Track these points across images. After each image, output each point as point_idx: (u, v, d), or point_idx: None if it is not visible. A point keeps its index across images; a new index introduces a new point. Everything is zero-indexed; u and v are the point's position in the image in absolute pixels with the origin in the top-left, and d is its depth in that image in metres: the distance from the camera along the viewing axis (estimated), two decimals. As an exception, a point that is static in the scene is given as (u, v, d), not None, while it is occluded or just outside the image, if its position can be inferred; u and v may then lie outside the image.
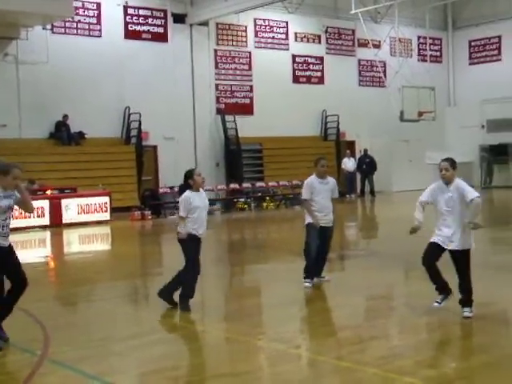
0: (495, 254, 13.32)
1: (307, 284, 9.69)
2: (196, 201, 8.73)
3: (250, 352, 7.01)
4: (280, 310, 8.68)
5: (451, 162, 7.74)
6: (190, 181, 8.94)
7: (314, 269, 9.79)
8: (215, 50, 27.37)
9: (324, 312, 8.86)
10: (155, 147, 25.84)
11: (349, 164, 28.06)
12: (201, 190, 8.95)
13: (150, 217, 22.13)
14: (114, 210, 21.44)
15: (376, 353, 6.70)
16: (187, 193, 8.80)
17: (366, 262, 12.63)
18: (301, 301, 9.15)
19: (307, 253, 9.83)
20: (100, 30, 24.44)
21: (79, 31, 24.03)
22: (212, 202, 24.04)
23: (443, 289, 7.73)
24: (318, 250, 9.77)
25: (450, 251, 7.67)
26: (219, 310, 9.13)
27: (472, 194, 7.47)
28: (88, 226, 20.12)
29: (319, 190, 9.79)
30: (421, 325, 7.51)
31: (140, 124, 24.49)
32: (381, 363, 6.28)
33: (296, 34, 29.69)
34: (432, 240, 7.74)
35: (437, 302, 7.74)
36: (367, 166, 28.81)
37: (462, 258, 7.68)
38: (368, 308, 9.05)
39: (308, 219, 9.84)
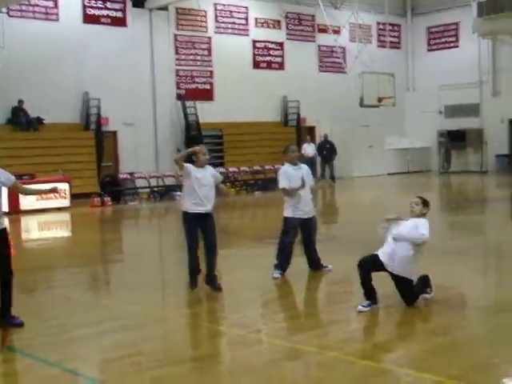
0: (453, 239, 13.54)
1: (276, 275, 9.42)
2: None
3: (211, 337, 7.05)
4: (241, 296, 8.73)
5: (423, 200, 7.82)
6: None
7: (287, 264, 9.56)
8: (175, 35, 27.19)
9: (285, 297, 8.93)
10: (115, 133, 25.63)
11: (309, 149, 28.15)
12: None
13: (109, 203, 21.97)
14: (73, 197, 21.24)
15: (336, 337, 6.78)
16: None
17: (326, 247, 12.73)
18: (262, 286, 9.20)
19: (281, 248, 9.53)
20: (57, 14, 24.06)
21: (36, 15, 23.64)
22: (174, 187, 24.20)
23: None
24: (305, 244, 9.69)
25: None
26: (180, 296, 9.13)
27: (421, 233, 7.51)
28: (47, 212, 19.91)
29: (295, 178, 9.39)
30: (379, 309, 7.61)
31: (99, 109, 24.27)
32: (340, 347, 6.37)
33: (256, 19, 29.63)
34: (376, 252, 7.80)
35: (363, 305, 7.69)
36: (327, 151, 28.96)
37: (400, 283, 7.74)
38: (328, 293, 9.15)
39: (286, 212, 9.51)
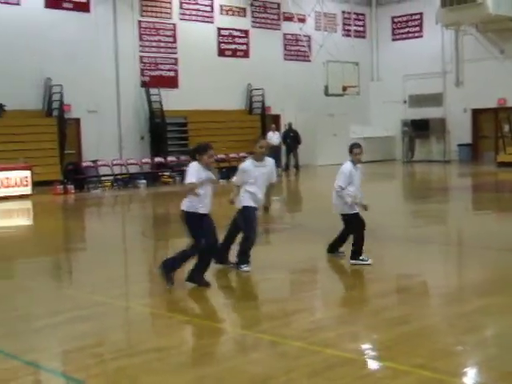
0: (415, 227, 13.63)
1: (247, 268, 9.16)
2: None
3: (173, 327, 6.99)
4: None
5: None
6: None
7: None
8: (139, 22, 26.89)
9: (248, 286, 8.90)
10: (78, 120, 25.30)
11: (273, 138, 28.13)
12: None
13: (72, 191, 21.72)
14: (35, 184, 20.94)
15: (300, 326, 6.77)
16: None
17: (290, 235, 12.74)
18: (224, 275, 9.15)
19: (250, 236, 9.17)
20: (19, -2, 23.65)
21: (-4, -1, 23.21)
22: (138, 175, 24.01)
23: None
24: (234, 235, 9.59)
25: None
26: (143, 286, 9.05)
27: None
28: (8, 200, 19.61)
29: (255, 176, 9.12)
30: (344, 298, 7.62)
31: (62, 96, 23.92)
32: (305, 336, 6.35)
33: (221, 6, 29.45)
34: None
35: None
36: (291, 140, 28.98)
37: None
38: (292, 281, 9.13)
39: (245, 202, 9.23)
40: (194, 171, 8.19)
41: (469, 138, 32.35)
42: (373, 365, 5.72)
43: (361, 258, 9.30)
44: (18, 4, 23.60)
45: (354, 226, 9.39)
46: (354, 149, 9.51)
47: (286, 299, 8.10)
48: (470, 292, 8.05)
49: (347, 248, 9.62)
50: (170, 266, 8.33)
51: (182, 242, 12.06)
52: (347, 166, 9.46)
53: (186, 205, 8.27)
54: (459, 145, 32.22)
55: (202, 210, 8.23)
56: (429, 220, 14.64)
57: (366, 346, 6.16)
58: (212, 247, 8.37)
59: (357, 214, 9.41)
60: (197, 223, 8.20)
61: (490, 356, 5.84)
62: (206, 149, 8.30)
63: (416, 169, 30.10)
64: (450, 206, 17.62)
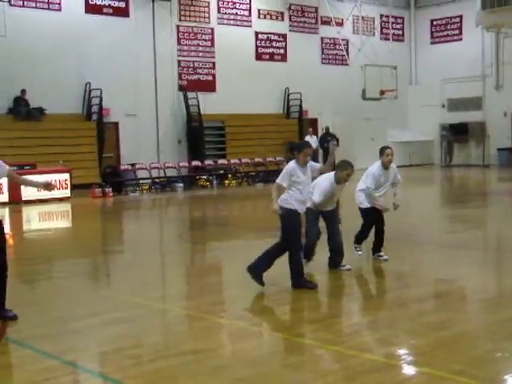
0: (454, 232, 13.48)
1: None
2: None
3: (211, 329, 7.01)
4: (242, 288, 8.67)
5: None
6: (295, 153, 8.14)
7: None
8: (177, 26, 27.10)
9: (286, 290, 8.88)
10: (117, 124, 25.58)
11: (311, 141, 28.02)
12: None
13: (111, 194, 21.94)
14: (74, 187, 21.21)
15: (337, 330, 6.75)
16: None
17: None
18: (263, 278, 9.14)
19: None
20: (60, 4, 23.99)
21: (38, 4, 23.56)
22: (176, 179, 24.13)
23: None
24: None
25: None
26: (180, 288, 9.10)
27: None
28: (48, 203, 19.89)
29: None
30: (381, 302, 7.58)
31: (101, 100, 24.22)
32: (342, 340, 6.33)
33: (259, 10, 29.52)
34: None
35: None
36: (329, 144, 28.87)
37: None
38: (329, 286, 9.09)
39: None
40: (287, 173, 8.11)
41: (509, 142, 31.93)
42: (409, 370, 5.67)
43: (357, 246, 10.09)
44: (59, 10, 23.98)
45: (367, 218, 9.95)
46: (386, 149, 9.56)
47: (324, 303, 8.07)
48: (509, 298, 7.93)
49: (389, 252, 9.56)
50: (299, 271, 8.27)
51: (219, 245, 12.11)
52: (375, 167, 9.77)
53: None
54: (499, 149, 31.82)
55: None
56: (467, 225, 14.46)
57: (402, 351, 6.11)
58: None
59: (371, 208, 9.84)
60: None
61: (529, 363, 5.75)
62: (303, 147, 8.24)
63: (454, 173, 29.79)
64: (489, 211, 17.39)
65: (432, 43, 34.74)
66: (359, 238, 10.12)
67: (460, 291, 8.47)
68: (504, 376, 5.52)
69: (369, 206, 9.87)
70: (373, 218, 9.87)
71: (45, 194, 20.01)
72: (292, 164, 8.18)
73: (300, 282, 8.26)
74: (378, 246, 9.96)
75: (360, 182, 10.06)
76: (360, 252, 10.10)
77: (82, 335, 6.81)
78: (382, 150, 9.78)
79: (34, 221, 17.65)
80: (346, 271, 9.21)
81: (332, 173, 9.22)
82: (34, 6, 23.47)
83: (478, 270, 9.88)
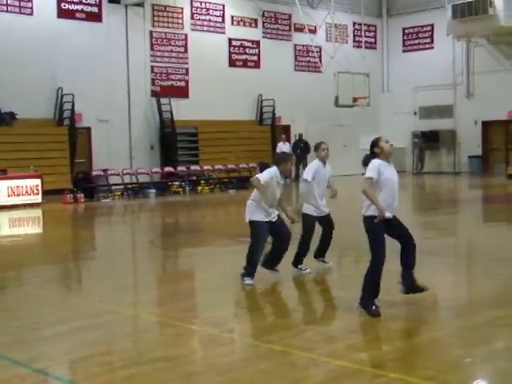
0: (425, 239, 13.55)
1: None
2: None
3: (182, 336, 6.97)
4: (213, 294, 8.66)
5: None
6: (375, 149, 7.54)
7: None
8: (151, 32, 27.03)
9: (258, 296, 8.87)
10: (89, 129, 25.41)
11: (283, 148, 28.13)
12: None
13: (82, 200, 21.78)
14: (45, 193, 21.02)
15: (309, 337, 6.75)
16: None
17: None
18: (235, 285, 9.13)
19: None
20: (31, 8, 23.79)
21: (9, 8, 23.34)
22: (148, 185, 24.04)
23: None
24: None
25: None
26: (152, 294, 9.05)
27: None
28: (18, 208, 19.69)
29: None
30: (352, 309, 7.58)
31: (73, 105, 24.04)
32: (313, 347, 6.33)
33: (232, 17, 29.55)
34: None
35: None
36: (301, 150, 28.98)
37: None
38: (301, 293, 9.10)
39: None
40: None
41: (479, 150, 32.28)
42: (381, 376, 5.68)
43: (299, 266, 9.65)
44: (31, 14, 23.78)
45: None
46: (322, 145, 9.85)
47: (295, 310, 8.07)
48: (479, 304, 8.00)
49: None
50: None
51: (191, 251, 12.07)
52: (314, 162, 9.83)
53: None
54: (469, 157, 32.16)
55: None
56: (438, 232, 14.58)
57: (374, 358, 6.13)
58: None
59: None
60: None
61: (500, 369, 5.79)
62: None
63: (426, 180, 30.03)
64: (460, 218, 17.55)
65: (404, 51, 35.02)
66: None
67: (431, 297, 8.51)
68: (474, 381, 5.57)
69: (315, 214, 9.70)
70: (322, 224, 9.85)
71: (15, 200, 19.85)
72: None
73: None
74: (323, 252, 9.93)
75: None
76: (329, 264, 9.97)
77: (52, 342, 6.75)
78: (318, 146, 9.84)
79: (4, 227, 17.44)
80: (308, 275, 9.31)
81: (271, 168, 9.15)
82: (5, 10, 23.25)
83: (449, 276, 9.96)
